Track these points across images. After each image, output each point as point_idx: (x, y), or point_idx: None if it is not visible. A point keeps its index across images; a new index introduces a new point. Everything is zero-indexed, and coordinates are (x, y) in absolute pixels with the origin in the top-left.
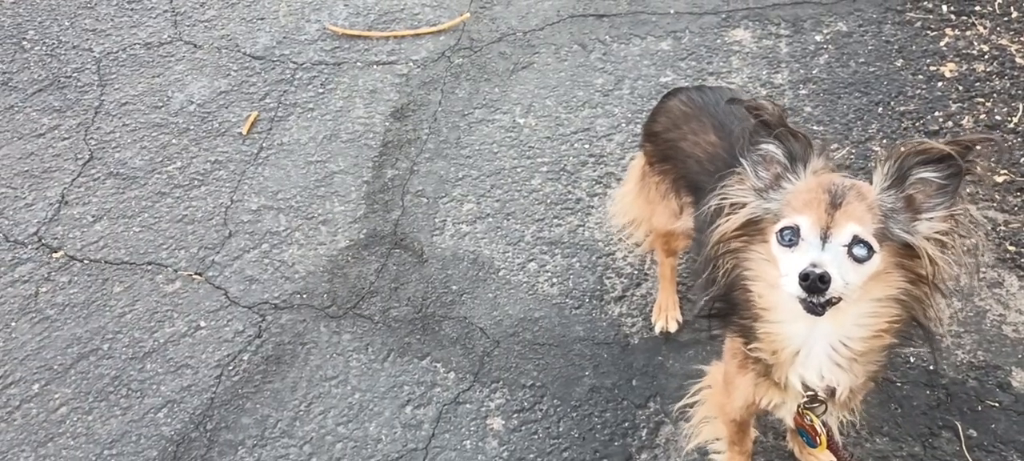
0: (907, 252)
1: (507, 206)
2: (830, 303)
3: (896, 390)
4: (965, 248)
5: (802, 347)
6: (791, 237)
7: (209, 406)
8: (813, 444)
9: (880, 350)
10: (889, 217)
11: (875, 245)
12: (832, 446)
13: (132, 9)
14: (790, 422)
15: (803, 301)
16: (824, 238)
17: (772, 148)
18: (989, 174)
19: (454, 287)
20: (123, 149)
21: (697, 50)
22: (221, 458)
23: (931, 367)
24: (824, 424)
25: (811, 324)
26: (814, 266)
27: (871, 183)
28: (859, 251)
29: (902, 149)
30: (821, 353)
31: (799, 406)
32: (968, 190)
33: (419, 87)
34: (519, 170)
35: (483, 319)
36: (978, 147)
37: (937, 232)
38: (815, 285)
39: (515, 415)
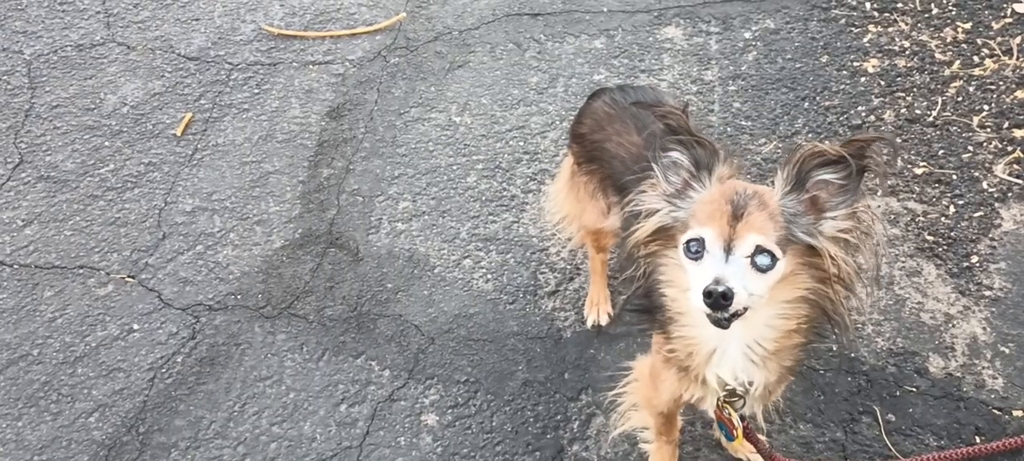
0: (813, 252)
1: (442, 204)
2: (736, 315)
3: (818, 377)
4: (868, 243)
5: (717, 347)
6: (697, 249)
7: (141, 409)
8: (731, 438)
9: (794, 347)
10: (792, 221)
11: (778, 253)
12: (750, 437)
13: (63, 10)
14: (713, 414)
15: (709, 316)
16: (727, 250)
17: (678, 155)
18: (887, 170)
19: (389, 285)
20: (54, 152)
21: (630, 48)
22: None
23: (852, 355)
24: (742, 417)
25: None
26: (717, 283)
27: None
28: (762, 260)
29: (798, 153)
30: (736, 353)
31: (718, 400)
32: (889, 182)
33: (355, 86)
34: (454, 168)
35: (418, 316)
36: (872, 146)
37: (840, 230)
38: (718, 302)
39: (449, 411)
